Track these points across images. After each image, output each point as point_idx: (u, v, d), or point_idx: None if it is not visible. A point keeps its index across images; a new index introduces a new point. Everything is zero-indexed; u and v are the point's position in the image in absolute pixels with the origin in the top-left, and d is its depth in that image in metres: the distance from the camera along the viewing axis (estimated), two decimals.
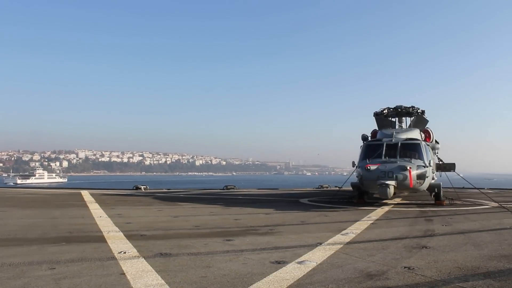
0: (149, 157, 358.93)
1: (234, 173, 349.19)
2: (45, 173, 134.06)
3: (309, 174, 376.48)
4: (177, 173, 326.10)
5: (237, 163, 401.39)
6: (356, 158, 16.17)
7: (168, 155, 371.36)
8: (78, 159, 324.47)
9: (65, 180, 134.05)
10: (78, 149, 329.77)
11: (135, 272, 4.97)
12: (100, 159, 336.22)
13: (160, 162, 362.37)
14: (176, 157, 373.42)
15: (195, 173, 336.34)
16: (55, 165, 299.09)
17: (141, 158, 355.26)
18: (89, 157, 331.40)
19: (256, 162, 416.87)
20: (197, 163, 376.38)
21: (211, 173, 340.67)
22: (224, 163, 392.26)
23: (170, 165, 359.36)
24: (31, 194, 20.84)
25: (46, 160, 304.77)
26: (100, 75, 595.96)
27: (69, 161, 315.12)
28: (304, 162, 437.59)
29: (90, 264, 5.36)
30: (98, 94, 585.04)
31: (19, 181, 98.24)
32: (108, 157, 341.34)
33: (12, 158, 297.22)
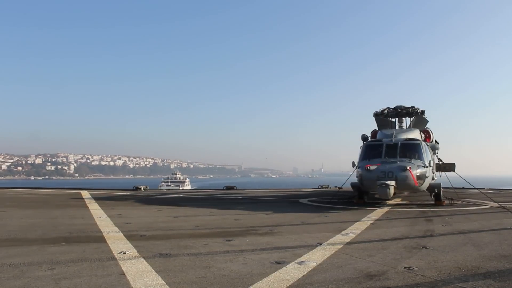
0: (126, 160, 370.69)
1: (211, 176, 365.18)
2: (187, 178, 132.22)
3: (274, 176, 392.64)
4: (159, 175, 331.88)
5: (202, 166, 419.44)
6: (356, 158, 16.18)
7: (142, 159, 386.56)
8: (74, 162, 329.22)
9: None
10: (60, 153, 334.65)
11: (135, 272, 4.97)
12: (92, 163, 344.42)
13: (140, 165, 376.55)
14: (151, 160, 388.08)
15: None
16: (68, 168, 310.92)
17: (122, 161, 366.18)
18: (77, 160, 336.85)
19: (218, 166, 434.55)
20: (172, 166, 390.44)
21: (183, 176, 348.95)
22: (191, 166, 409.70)
23: (150, 168, 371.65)
24: (31, 194, 20.83)
25: (50, 163, 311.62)
26: (66, 81, 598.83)
27: (73, 165, 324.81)
28: (254, 165, 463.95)
29: (90, 265, 5.36)
30: (58, 97, 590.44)
31: (180, 188, 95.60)
32: (97, 160, 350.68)
33: (20, 162, 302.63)
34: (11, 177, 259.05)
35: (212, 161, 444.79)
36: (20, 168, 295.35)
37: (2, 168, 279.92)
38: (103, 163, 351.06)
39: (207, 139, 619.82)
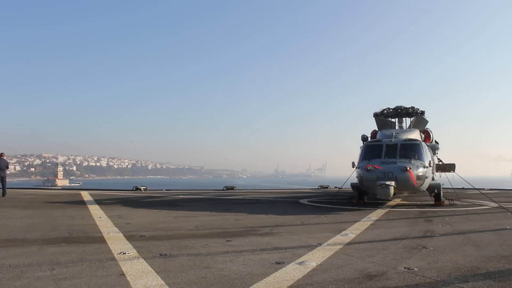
0: (106, 161, 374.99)
1: (191, 176, 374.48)
2: None
3: (245, 176, 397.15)
4: (140, 176, 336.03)
5: (172, 167, 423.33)
6: (356, 159, 16.19)
7: (120, 159, 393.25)
8: (66, 163, 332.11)
9: None
10: (45, 153, 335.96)
11: (135, 272, 4.96)
12: (83, 164, 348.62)
13: (122, 166, 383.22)
14: (127, 161, 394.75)
15: (156, 176, 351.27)
16: (74, 169, 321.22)
17: (105, 162, 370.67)
18: (66, 161, 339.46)
19: (186, 167, 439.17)
20: (149, 167, 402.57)
21: (162, 176, 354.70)
22: (164, 167, 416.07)
23: (132, 169, 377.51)
24: (31, 194, 20.82)
25: (50, 163, 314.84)
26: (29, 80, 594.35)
27: (74, 165, 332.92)
28: (214, 166, 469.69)
29: (90, 265, 5.35)
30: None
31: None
32: (85, 161, 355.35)
33: (27, 162, 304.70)
34: (28, 178, 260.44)
35: (177, 162, 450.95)
36: (33, 169, 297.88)
37: (16, 169, 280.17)
38: (91, 164, 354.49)
39: (164, 139, 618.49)
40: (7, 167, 19.88)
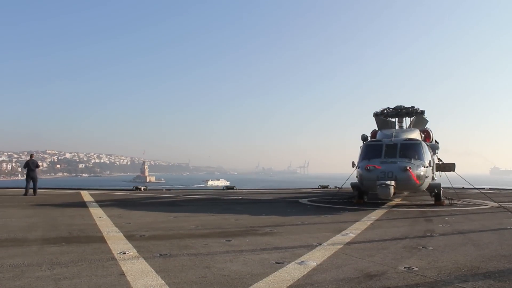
0: (106, 158, 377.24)
1: (188, 173, 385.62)
2: None
3: (236, 173, 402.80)
4: (137, 173, 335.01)
5: (164, 164, 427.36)
6: (356, 158, 16.20)
7: (117, 156, 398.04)
8: (80, 160, 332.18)
9: None
10: (49, 150, 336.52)
11: (135, 272, 4.96)
12: (91, 161, 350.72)
13: (122, 163, 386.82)
14: (124, 158, 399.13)
15: (155, 173, 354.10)
16: (91, 165, 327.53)
17: (107, 159, 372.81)
18: (73, 158, 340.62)
19: (176, 164, 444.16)
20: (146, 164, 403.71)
21: (158, 173, 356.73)
22: (157, 163, 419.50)
23: (132, 166, 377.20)
24: (30, 194, 20.78)
25: (54, 161, 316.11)
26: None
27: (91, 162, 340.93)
28: (198, 163, 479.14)
29: (90, 265, 5.35)
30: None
31: None
32: (91, 158, 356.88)
33: (47, 159, 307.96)
34: (61, 174, 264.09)
35: (166, 160, 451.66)
36: (58, 166, 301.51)
37: (44, 166, 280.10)
38: (97, 160, 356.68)
39: (143, 135, 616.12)
40: (37, 167, 20.60)
